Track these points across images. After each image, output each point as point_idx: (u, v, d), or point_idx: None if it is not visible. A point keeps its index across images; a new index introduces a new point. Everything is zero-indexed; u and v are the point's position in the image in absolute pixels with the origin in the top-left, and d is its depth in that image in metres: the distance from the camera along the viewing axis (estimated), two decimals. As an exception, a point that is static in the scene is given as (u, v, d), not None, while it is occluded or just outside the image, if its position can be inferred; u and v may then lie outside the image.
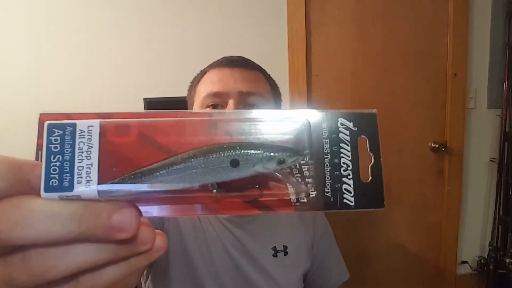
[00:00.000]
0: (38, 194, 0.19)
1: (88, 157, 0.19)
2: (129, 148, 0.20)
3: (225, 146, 0.21)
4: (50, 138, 0.19)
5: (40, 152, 0.20)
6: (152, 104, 1.80)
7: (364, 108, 0.24)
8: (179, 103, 1.83)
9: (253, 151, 0.21)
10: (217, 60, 0.83)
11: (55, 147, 0.19)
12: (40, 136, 0.20)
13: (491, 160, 2.05)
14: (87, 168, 0.19)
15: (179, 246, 0.76)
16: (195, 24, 1.89)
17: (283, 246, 0.82)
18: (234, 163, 0.20)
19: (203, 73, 0.83)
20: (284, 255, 0.81)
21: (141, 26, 1.87)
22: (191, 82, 0.88)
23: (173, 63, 1.90)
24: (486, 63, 2.00)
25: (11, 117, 1.87)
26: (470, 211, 2.10)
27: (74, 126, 0.19)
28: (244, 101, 0.74)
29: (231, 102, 0.73)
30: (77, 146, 0.19)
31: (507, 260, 1.90)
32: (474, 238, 2.13)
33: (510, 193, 1.94)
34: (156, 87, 1.88)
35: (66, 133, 0.19)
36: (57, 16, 1.83)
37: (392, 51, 1.99)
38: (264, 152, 0.21)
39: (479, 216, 2.12)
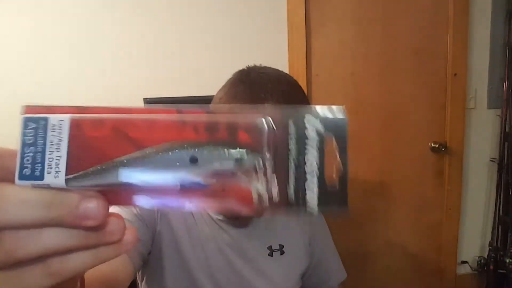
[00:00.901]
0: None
1: (58, 150, 0.21)
2: (100, 142, 0.21)
3: (185, 144, 0.22)
4: (25, 130, 0.21)
5: None
6: (152, 104, 1.81)
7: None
8: (179, 103, 1.84)
9: (211, 149, 0.22)
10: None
11: (29, 139, 0.21)
12: None
13: (491, 160, 2.05)
14: (56, 159, 0.21)
15: (173, 247, 0.75)
16: (195, 24, 1.90)
17: (279, 245, 0.81)
18: (193, 160, 0.21)
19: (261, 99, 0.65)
20: (281, 254, 0.81)
21: (142, 26, 1.88)
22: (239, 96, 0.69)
23: (173, 63, 1.91)
24: (486, 63, 1.99)
25: (9, 116, 1.88)
26: (470, 211, 2.10)
27: (46, 120, 0.21)
28: None
29: None
30: (48, 139, 0.21)
31: (507, 260, 1.90)
32: (474, 238, 2.12)
33: (510, 193, 1.94)
34: (156, 87, 1.90)
35: (39, 126, 0.21)
36: (57, 15, 1.85)
37: (392, 51, 1.99)
38: (222, 151, 0.21)
39: (479, 216, 2.11)
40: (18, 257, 0.20)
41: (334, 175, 0.23)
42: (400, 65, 2.00)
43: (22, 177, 0.20)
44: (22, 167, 0.20)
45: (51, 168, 0.20)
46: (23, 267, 0.20)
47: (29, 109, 0.22)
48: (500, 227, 2.01)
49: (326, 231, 0.95)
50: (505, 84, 1.94)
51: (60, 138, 0.21)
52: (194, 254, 0.76)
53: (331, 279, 0.92)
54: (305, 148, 0.23)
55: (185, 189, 0.22)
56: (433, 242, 2.12)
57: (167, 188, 0.22)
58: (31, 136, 0.21)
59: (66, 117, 0.21)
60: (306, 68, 1.96)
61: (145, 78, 1.90)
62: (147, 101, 1.81)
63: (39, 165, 0.20)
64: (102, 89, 1.89)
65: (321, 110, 0.23)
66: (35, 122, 0.21)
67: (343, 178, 0.23)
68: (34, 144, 0.21)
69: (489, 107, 2.02)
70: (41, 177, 0.20)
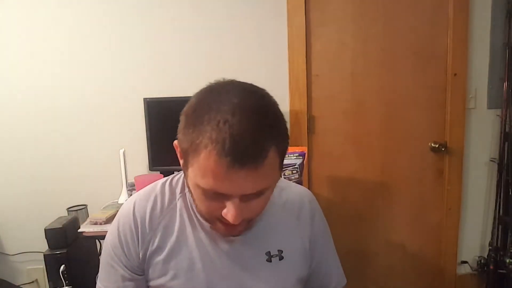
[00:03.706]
0: None
1: None
2: None
3: None
4: None
5: None
6: (152, 104, 1.81)
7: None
8: (179, 103, 1.83)
9: None
10: (222, 143, 0.56)
11: None
12: None
13: (491, 160, 2.05)
14: None
15: (172, 257, 0.76)
16: (195, 25, 1.90)
17: (278, 250, 0.80)
18: None
19: (200, 141, 0.58)
20: (279, 259, 0.79)
21: (142, 26, 1.88)
22: (188, 129, 0.63)
23: (173, 63, 1.91)
24: (486, 63, 1.99)
25: (9, 116, 1.88)
26: (470, 211, 2.10)
27: None
28: (246, 200, 0.64)
29: (231, 205, 0.62)
30: None
31: (507, 260, 1.90)
32: (474, 238, 2.13)
33: (510, 193, 1.94)
34: (156, 87, 1.89)
35: None
36: (58, 16, 1.84)
37: (392, 51, 1.99)
38: None
39: (479, 216, 2.11)
40: None
41: None
42: (400, 65, 2.00)
43: None
44: None
45: None
46: None
47: None
48: (500, 227, 2.01)
49: (328, 235, 0.93)
50: (505, 84, 1.94)
51: None
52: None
53: (331, 283, 0.91)
54: None
55: None
56: (433, 242, 2.12)
57: None
58: None
59: None
60: (306, 68, 1.96)
61: (145, 78, 1.90)
62: (147, 101, 1.80)
63: None
64: (102, 89, 1.89)
65: None
66: None
67: None
68: None
69: (489, 107, 2.02)
70: None
